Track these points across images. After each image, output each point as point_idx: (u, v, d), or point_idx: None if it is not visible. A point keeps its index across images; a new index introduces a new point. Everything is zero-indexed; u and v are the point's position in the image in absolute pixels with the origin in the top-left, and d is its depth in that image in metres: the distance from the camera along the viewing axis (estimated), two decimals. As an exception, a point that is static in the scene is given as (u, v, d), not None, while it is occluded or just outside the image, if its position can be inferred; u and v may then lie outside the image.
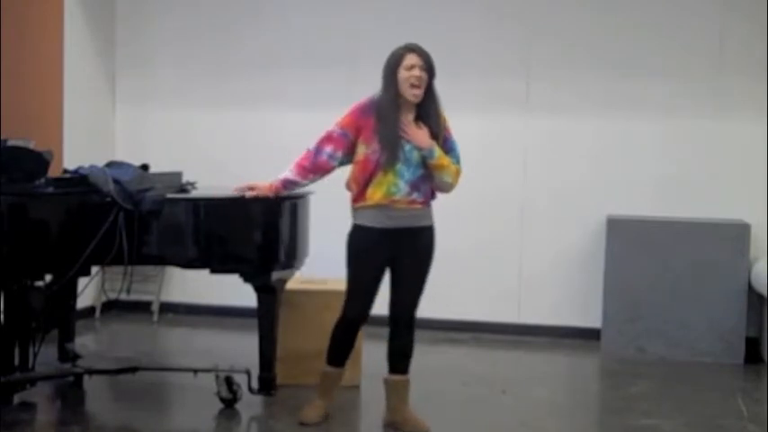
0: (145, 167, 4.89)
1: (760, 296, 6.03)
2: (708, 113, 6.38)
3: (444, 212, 6.00)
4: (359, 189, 4.25)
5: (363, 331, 4.87)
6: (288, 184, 4.40)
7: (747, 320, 6.03)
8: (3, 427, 4.27)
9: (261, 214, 4.70)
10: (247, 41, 6.94)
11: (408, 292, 4.33)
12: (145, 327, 6.73)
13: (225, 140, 6.96)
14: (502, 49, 6.62)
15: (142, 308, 6.89)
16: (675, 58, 6.41)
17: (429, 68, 4.20)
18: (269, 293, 4.70)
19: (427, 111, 4.25)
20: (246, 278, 4.68)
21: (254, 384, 4.74)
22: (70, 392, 4.94)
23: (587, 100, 6.54)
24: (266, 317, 4.71)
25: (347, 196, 4.37)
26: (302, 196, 4.95)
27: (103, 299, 6.70)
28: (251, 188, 4.48)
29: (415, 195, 4.25)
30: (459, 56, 6.49)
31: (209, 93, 6.99)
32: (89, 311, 6.74)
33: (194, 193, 4.91)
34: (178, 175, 5.09)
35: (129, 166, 4.80)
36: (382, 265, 4.31)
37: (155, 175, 4.88)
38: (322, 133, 4.32)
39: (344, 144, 4.26)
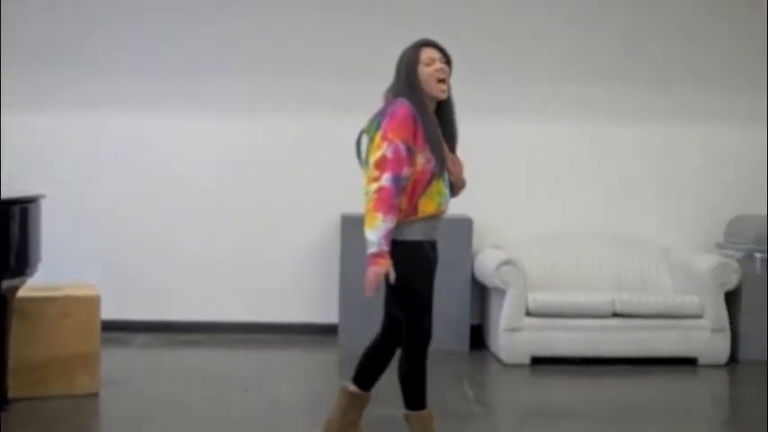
0: None
1: (482, 286, 6.48)
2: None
3: (187, 215, 5.92)
4: (410, 203, 3.76)
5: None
6: (391, 233, 3.72)
7: (471, 309, 6.47)
8: None
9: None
10: None
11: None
12: None
13: None
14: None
15: None
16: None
17: (448, 61, 3.83)
18: (-1, 303, 4.48)
19: (446, 110, 3.88)
20: (-27, 287, 4.43)
21: (-16, 399, 4.50)
22: None
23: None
24: (-3, 327, 4.49)
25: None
26: (33, 200, 4.74)
27: None
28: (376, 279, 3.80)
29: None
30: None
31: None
32: None
33: None
34: None
35: None
36: None
37: None
38: (381, 159, 3.65)
39: (413, 158, 3.71)
